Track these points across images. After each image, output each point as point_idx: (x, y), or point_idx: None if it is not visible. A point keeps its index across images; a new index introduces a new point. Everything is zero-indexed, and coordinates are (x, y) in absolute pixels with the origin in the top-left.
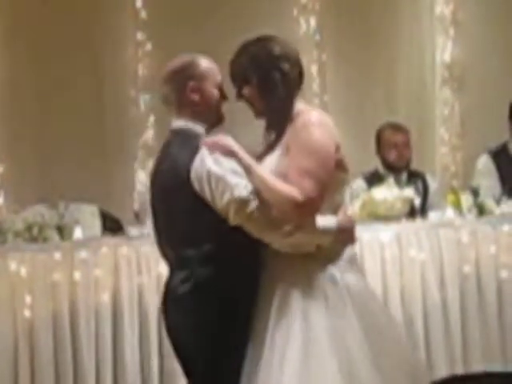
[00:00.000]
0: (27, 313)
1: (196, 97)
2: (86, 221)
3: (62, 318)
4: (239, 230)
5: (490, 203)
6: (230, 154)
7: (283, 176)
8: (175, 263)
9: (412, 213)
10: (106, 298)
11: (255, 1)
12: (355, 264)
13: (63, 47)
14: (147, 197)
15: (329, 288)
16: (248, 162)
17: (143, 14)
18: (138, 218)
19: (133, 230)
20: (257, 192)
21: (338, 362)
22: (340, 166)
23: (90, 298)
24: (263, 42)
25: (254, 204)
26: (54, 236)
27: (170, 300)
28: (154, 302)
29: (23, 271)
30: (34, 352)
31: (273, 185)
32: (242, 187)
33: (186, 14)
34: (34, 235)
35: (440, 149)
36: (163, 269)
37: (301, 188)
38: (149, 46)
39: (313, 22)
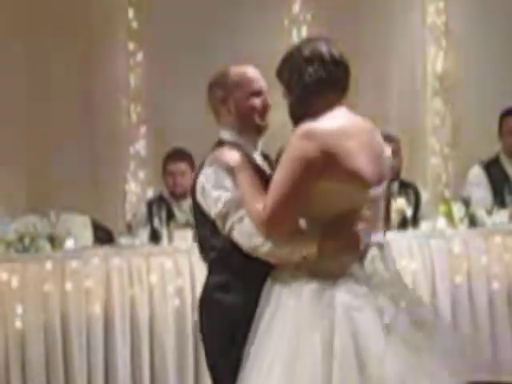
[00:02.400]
0: (18, 323)
1: (225, 107)
2: (77, 231)
3: (53, 329)
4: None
5: (481, 214)
6: (230, 169)
7: None
8: None
9: (403, 223)
10: (97, 308)
11: (247, 11)
12: (357, 278)
13: (54, 57)
14: (138, 207)
15: (309, 301)
16: (240, 177)
17: (135, 25)
18: (129, 229)
19: (124, 241)
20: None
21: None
22: (333, 176)
23: (82, 309)
24: (304, 42)
25: (234, 218)
26: (46, 246)
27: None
28: (145, 313)
29: (14, 281)
30: (25, 362)
31: (248, 200)
32: (220, 203)
33: (177, 25)
34: (25, 245)
35: (431, 159)
36: (155, 280)
37: (267, 204)
38: (140, 57)
39: (304, 32)
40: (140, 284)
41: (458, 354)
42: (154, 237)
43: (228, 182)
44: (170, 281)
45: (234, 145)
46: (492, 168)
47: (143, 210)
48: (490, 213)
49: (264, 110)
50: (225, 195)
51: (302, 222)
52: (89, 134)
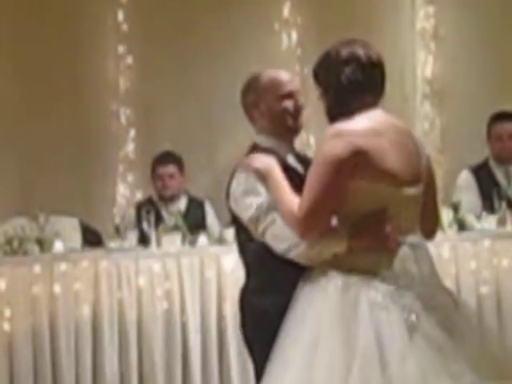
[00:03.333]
0: (6, 326)
1: (258, 111)
2: (66, 233)
3: (41, 332)
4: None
5: (470, 219)
6: (260, 174)
7: None
8: None
9: None
10: (85, 311)
11: (237, 15)
12: (384, 276)
13: (44, 61)
14: (127, 210)
15: (334, 297)
16: (271, 181)
17: (124, 28)
18: (118, 232)
19: (113, 244)
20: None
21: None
22: (365, 174)
23: (70, 312)
24: (341, 44)
25: (265, 222)
26: (35, 249)
27: None
28: (133, 316)
29: (2, 284)
30: (13, 365)
31: (282, 203)
32: (251, 209)
33: (167, 28)
34: (14, 248)
35: None
36: (143, 283)
37: (302, 205)
38: (130, 60)
39: (294, 36)
40: (128, 287)
41: (484, 361)
42: (143, 240)
43: (258, 187)
44: (158, 284)
45: (266, 149)
46: (481, 173)
47: (132, 212)
48: (478, 217)
49: (296, 111)
50: (255, 200)
51: (334, 220)
52: (78, 136)
